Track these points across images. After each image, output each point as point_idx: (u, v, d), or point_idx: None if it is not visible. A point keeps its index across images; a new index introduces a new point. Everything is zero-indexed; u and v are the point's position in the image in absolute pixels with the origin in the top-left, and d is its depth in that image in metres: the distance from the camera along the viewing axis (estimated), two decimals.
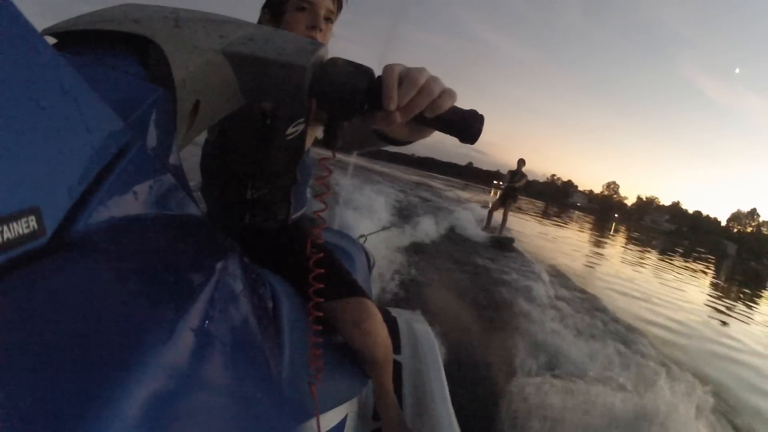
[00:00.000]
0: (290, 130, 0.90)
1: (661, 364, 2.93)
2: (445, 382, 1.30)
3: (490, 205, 8.55)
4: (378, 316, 0.92)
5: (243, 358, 0.36)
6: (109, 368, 0.19)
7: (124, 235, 0.31)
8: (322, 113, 0.46)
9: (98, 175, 0.29)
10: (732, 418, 2.54)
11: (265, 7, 0.85)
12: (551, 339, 2.86)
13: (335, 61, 0.44)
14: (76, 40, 0.40)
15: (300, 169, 0.99)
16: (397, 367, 1.33)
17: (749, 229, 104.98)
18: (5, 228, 0.21)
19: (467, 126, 0.44)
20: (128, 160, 0.32)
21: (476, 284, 4.28)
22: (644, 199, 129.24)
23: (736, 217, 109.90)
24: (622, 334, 3.51)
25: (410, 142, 0.51)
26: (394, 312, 1.75)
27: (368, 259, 1.55)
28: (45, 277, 0.23)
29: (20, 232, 0.22)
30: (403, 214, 7.10)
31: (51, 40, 0.40)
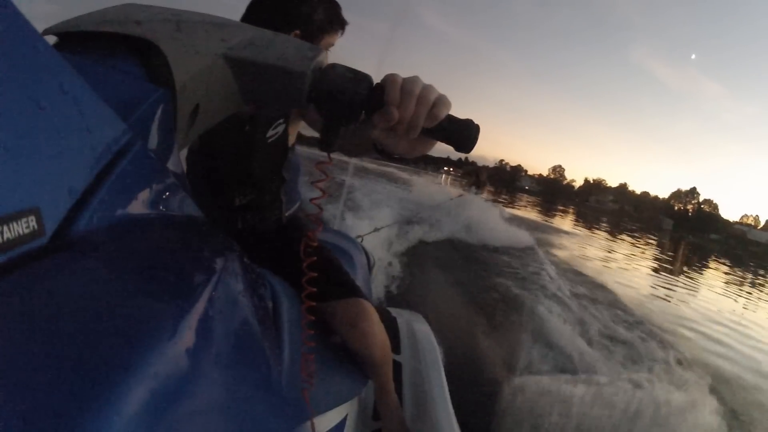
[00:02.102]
0: (270, 132, 0.89)
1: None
2: (445, 382, 1.30)
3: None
4: (375, 317, 0.92)
5: (243, 359, 0.36)
6: (108, 368, 0.19)
7: (124, 236, 0.31)
8: (319, 118, 0.46)
9: (98, 175, 0.29)
10: None
11: (297, 29, 0.86)
12: None
13: (334, 67, 0.44)
14: (77, 40, 0.40)
15: (286, 168, 0.99)
16: (397, 367, 1.33)
17: (689, 207, 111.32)
18: (5, 228, 0.21)
19: (463, 135, 0.45)
20: (128, 160, 0.32)
21: None
22: (591, 182, 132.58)
23: (676, 196, 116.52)
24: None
25: (412, 157, 0.50)
26: (394, 312, 1.75)
27: (368, 260, 1.55)
28: (45, 277, 0.23)
29: (20, 232, 0.22)
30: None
31: (51, 40, 0.40)
